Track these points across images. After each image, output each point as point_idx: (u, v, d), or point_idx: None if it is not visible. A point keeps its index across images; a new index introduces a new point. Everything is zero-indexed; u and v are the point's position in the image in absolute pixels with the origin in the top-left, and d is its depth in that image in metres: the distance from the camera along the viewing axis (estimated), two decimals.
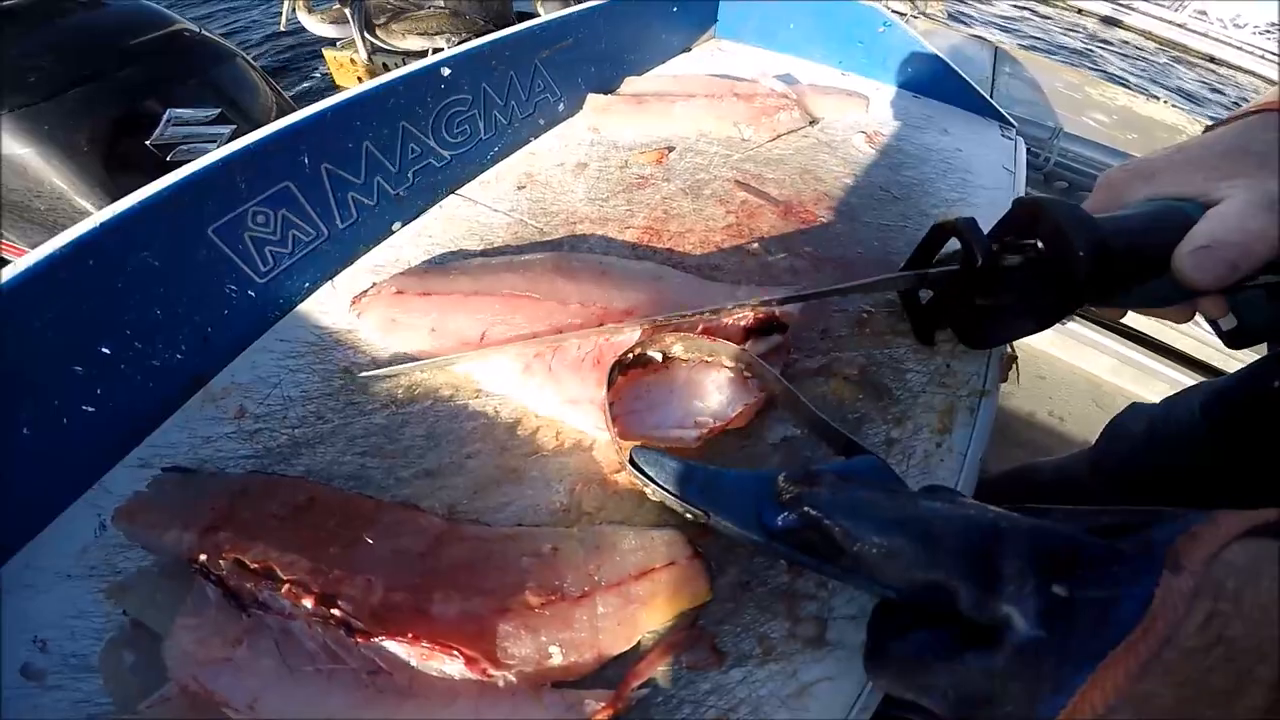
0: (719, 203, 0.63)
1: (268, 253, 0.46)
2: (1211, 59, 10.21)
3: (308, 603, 0.33)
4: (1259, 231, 0.31)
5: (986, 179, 0.79)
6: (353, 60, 3.28)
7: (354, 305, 0.48)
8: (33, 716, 0.34)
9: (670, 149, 0.70)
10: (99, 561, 0.38)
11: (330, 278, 0.52)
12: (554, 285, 0.44)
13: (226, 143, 1.28)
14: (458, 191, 0.61)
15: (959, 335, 0.48)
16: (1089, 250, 0.33)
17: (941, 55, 0.99)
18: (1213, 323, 0.39)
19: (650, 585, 0.35)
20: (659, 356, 0.40)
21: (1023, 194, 0.78)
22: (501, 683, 0.32)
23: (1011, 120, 0.98)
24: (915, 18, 4.48)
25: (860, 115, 0.85)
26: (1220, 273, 0.31)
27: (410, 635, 0.32)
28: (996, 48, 4.40)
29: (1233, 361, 1.49)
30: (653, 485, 0.35)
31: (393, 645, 0.32)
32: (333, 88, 3.56)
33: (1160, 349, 1.57)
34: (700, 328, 0.40)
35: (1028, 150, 1.78)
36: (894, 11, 4.03)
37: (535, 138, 0.71)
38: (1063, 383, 1.59)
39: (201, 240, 0.43)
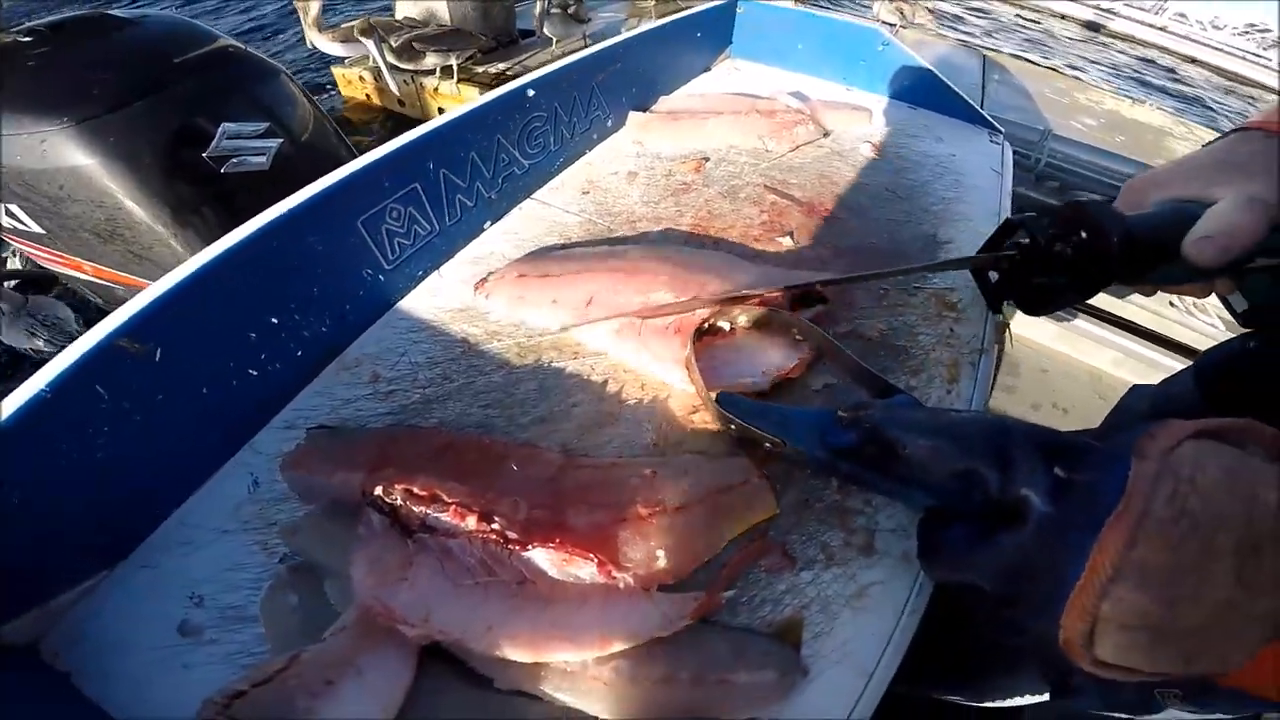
0: (753, 204, 0.74)
1: (396, 243, 0.57)
2: (1193, 60, 10.42)
3: (471, 520, 0.42)
4: (1242, 224, 0.39)
5: (977, 180, 0.89)
6: (361, 78, 3.41)
7: (479, 289, 0.58)
8: (184, 674, 0.38)
9: (706, 159, 0.81)
10: (253, 516, 0.45)
11: (438, 267, 0.62)
12: (648, 265, 0.55)
13: (274, 155, 1.35)
14: (534, 196, 0.72)
15: (1020, 305, 0.56)
16: (1120, 239, 0.42)
17: (933, 69, 1.09)
18: (1226, 302, 0.49)
19: (730, 498, 0.45)
20: (727, 326, 0.51)
21: (1009, 192, 0.89)
22: (622, 585, 0.40)
23: (999, 127, 1.06)
24: (904, 28, 4.62)
25: (866, 127, 0.96)
26: (1217, 256, 0.40)
27: (556, 542, 0.40)
28: (985, 56, 4.53)
29: None
30: (737, 422, 0.45)
31: (539, 555, 0.41)
32: (342, 100, 3.67)
33: (1161, 341, 1.65)
34: (759, 300, 0.51)
35: (1019, 152, 1.88)
36: (884, 23, 4.13)
37: (590, 149, 0.82)
38: (1065, 375, 1.67)
39: (352, 230, 0.53)
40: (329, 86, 3.71)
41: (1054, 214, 0.49)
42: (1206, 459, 0.28)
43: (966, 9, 10.01)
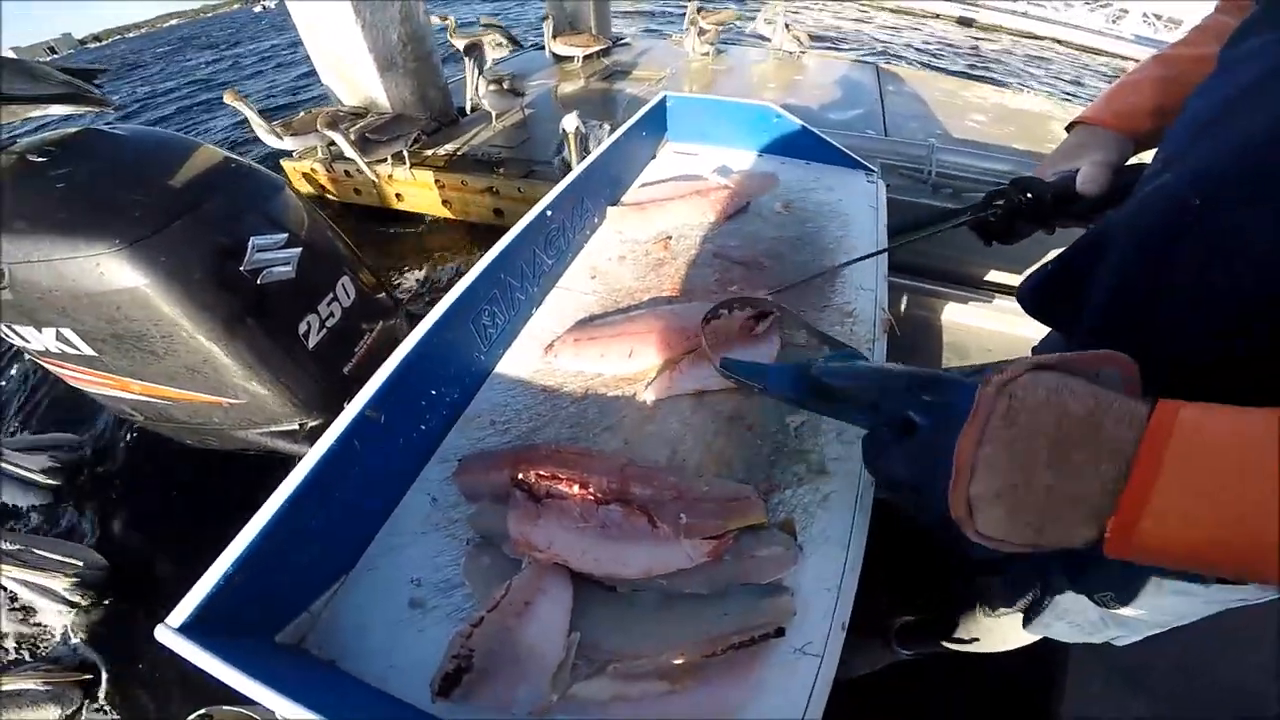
0: (707, 267, 1.07)
1: (488, 333, 0.86)
2: (1058, 41, 11.42)
3: (575, 488, 0.69)
4: (1098, 173, 0.68)
5: (859, 217, 1.23)
6: (313, 170, 3.59)
7: (549, 351, 0.89)
8: (420, 636, 0.54)
9: (669, 237, 1.14)
10: (439, 520, 0.67)
11: (511, 344, 0.92)
12: (656, 323, 0.87)
13: (297, 263, 1.54)
14: (559, 285, 1.03)
15: (999, 240, 0.82)
16: (1049, 196, 0.73)
17: (815, 129, 1.42)
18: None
19: (735, 504, 0.65)
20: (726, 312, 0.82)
21: (884, 223, 1.21)
22: (662, 534, 0.62)
23: (872, 168, 1.41)
24: (803, 54, 5.11)
25: (775, 189, 1.31)
26: (1096, 188, 0.69)
27: (626, 503, 0.68)
28: (878, 69, 4.99)
29: None
30: (735, 377, 0.70)
31: (614, 512, 0.67)
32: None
33: None
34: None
35: (912, 168, 2.23)
36: (785, 51, 4.50)
37: (587, 243, 1.14)
38: (1009, 350, 1.91)
39: (465, 328, 0.81)
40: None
41: (1011, 184, 0.77)
42: (1038, 384, 0.36)
43: (850, 20, 10.76)
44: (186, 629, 0.47)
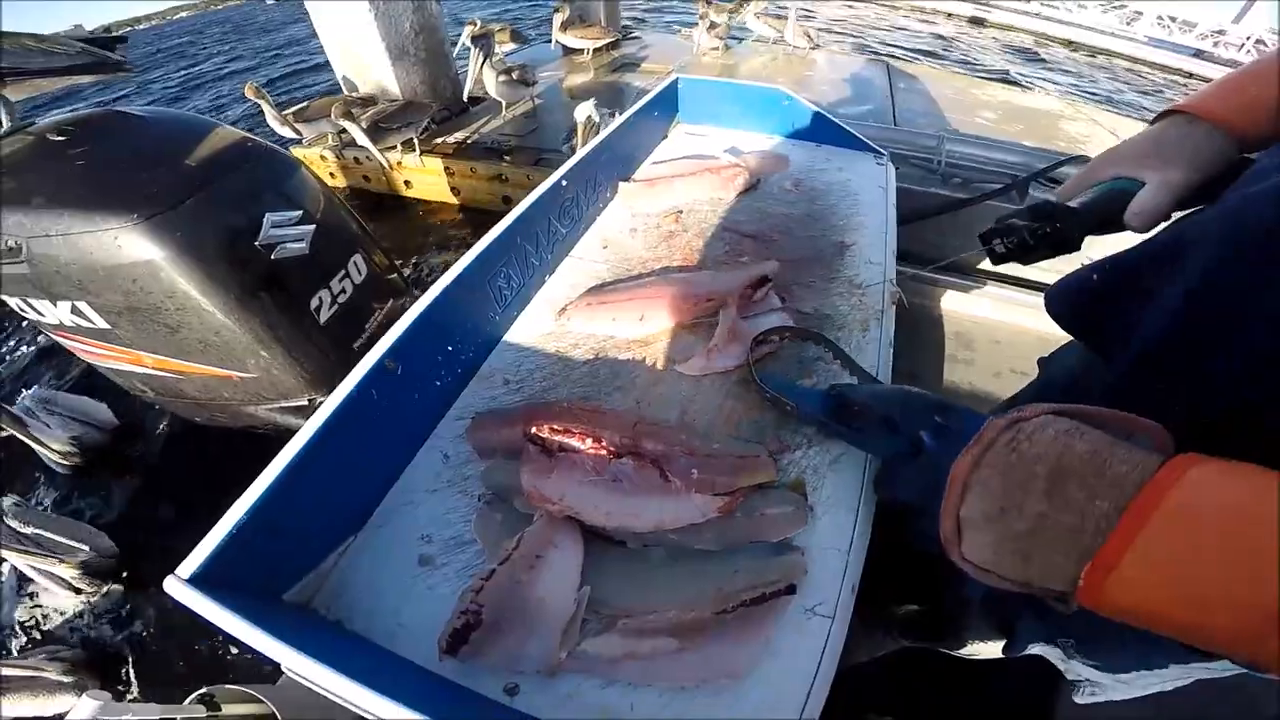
0: (718, 240, 1.08)
1: (503, 294, 0.87)
2: (1070, 43, 11.33)
3: (588, 442, 0.70)
4: (1159, 203, 0.55)
5: (868, 197, 1.25)
6: (322, 157, 3.61)
7: (561, 314, 0.90)
8: (429, 593, 0.54)
9: (680, 212, 1.16)
10: (451, 476, 0.69)
11: (525, 307, 0.93)
12: (667, 289, 0.88)
13: (310, 240, 1.55)
14: (572, 254, 1.05)
15: (1019, 261, 0.68)
16: (1076, 233, 0.61)
17: (826, 112, 1.44)
18: None
19: (745, 461, 0.67)
20: (777, 338, 0.83)
21: (894, 203, 1.22)
22: (674, 488, 0.64)
23: (882, 150, 1.42)
24: (815, 48, 5.10)
25: (786, 169, 1.32)
26: (1144, 226, 0.57)
27: (638, 457, 0.69)
28: (889, 65, 4.98)
29: None
30: (770, 391, 0.73)
31: (626, 465, 0.69)
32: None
33: None
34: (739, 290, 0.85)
35: (923, 158, 2.23)
36: (795, 47, 4.48)
37: (599, 215, 1.15)
38: (1016, 342, 1.91)
39: (482, 289, 0.83)
40: None
41: (1033, 210, 0.64)
42: (1050, 424, 0.37)
43: (862, 18, 10.72)
44: (196, 580, 0.46)
